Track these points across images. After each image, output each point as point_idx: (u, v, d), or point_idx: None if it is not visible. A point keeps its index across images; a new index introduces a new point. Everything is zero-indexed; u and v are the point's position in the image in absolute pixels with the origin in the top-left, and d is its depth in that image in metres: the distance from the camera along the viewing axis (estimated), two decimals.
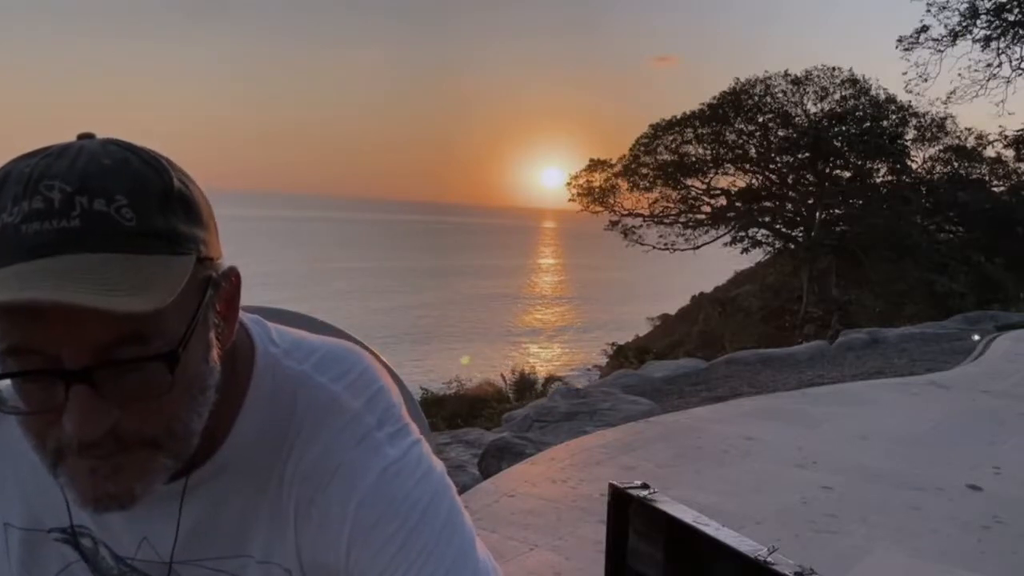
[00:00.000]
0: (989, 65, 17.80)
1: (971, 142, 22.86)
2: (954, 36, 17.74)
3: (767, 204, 24.23)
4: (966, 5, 17.44)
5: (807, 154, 22.74)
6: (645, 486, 1.44)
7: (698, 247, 24.31)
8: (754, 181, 24.20)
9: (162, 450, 0.66)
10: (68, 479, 0.65)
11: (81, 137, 0.67)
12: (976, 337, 9.96)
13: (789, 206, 24.09)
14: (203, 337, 0.68)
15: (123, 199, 0.61)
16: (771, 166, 23.87)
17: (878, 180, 23.26)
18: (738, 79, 23.42)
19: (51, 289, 0.57)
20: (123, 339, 0.61)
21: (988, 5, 17.46)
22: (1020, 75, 17.66)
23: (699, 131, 23.39)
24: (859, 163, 22.64)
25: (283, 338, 0.82)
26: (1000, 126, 27.57)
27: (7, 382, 0.63)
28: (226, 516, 0.77)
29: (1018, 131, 20.78)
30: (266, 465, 0.77)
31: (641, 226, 24.26)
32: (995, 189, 23.15)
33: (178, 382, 0.64)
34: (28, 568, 0.81)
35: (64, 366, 0.61)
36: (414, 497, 0.75)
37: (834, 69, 23.07)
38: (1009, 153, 22.33)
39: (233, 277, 0.72)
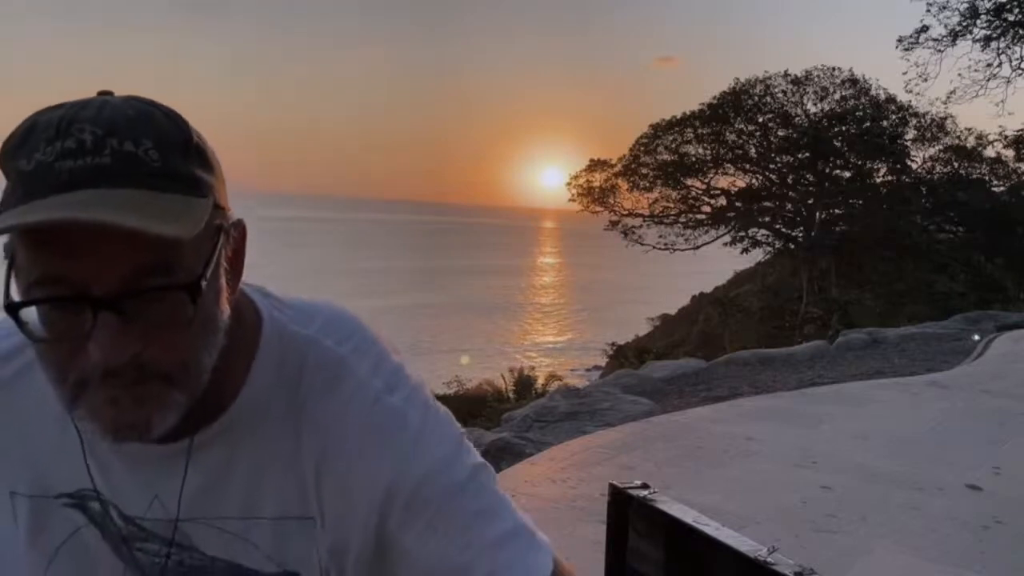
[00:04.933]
0: (989, 65, 17.82)
1: (971, 142, 22.89)
2: (954, 36, 17.75)
3: (767, 204, 24.24)
4: (966, 5, 17.46)
5: (807, 154, 22.74)
6: (645, 486, 1.44)
7: (698, 247, 24.33)
8: (754, 181, 24.21)
9: (176, 385, 0.68)
10: (88, 411, 0.67)
11: (101, 94, 0.70)
12: (976, 337, 9.96)
13: (789, 206, 24.10)
14: (216, 279, 0.70)
15: (149, 143, 0.65)
16: (771, 166, 23.87)
17: (878, 180, 23.28)
18: (738, 79, 23.46)
19: (88, 212, 0.60)
20: (149, 268, 0.64)
21: (988, 5, 17.47)
22: (1020, 75, 17.66)
23: (699, 131, 23.39)
24: (859, 163, 22.64)
25: (286, 304, 0.84)
26: (1000, 126, 27.62)
27: (34, 314, 0.65)
28: (237, 475, 0.78)
29: (1018, 131, 20.81)
30: (278, 425, 0.78)
31: (641, 226, 24.27)
32: (995, 189, 23.15)
33: (197, 316, 0.67)
34: (36, 535, 0.82)
35: (92, 294, 0.63)
36: (439, 456, 0.79)
37: (834, 69, 23.12)
38: (1009, 153, 22.37)
39: (240, 228, 0.75)
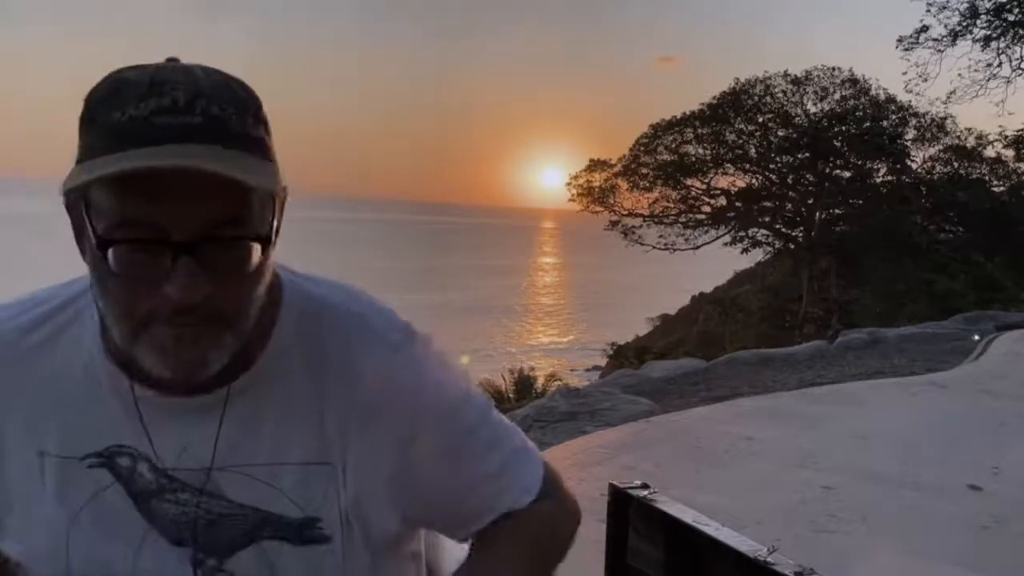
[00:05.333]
0: (989, 65, 17.79)
1: (971, 142, 22.87)
2: (954, 36, 17.73)
3: (767, 204, 24.23)
4: (966, 5, 17.44)
5: (807, 154, 22.73)
6: (645, 486, 1.43)
7: (698, 247, 24.31)
8: (754, 181, 24.20)
9: (231, 329, 0.74)
10: (151, 345, 0.72)
11: (169, 60, 0.75)
12: (976, 337, 9.95)
13: (789, 206, 24.09)
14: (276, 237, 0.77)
15: (231, 108, 0.72)
16: (771, 166, 23.86)
17: (878, 180, 23.27)
18: (738, 79, 23.45)
19: (186, 161, 0.66)
20: (226, 219, 0.71)
21: (988, 5, 17.45)
22: (1020, 75, 17.65)
23: (699, 131, 23.38)
24: (859, 163, 22.64)
25: (296, 271, 0.91)
26: (1000, 126, 27.53)
27: (111, 253, 0.70)
28: (265, 424, 0.83)
29: (1018, 131, 20.78)
30: (303, 375, 0.83)
31: (641, 226, 24.26)
32: (995, 189, 23.13)
33: (258, 268, 0.74)
34: (62, 496, 0.83)
35: (173, 239, 0.69)
36: (454, 401, 0.88)
37: (834, 69, 23.10)
38: (1009, 153, 22.33)
39: (284, 196, 0.79)
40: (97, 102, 0.71)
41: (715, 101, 23.30)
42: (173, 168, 0.65)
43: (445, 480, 0.88)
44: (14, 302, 0.88)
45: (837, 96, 23.02)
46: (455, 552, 1.06)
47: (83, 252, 0.76)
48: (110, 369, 0.81)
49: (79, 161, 0.71)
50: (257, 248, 0.73)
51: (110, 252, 0.69)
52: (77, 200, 0.73)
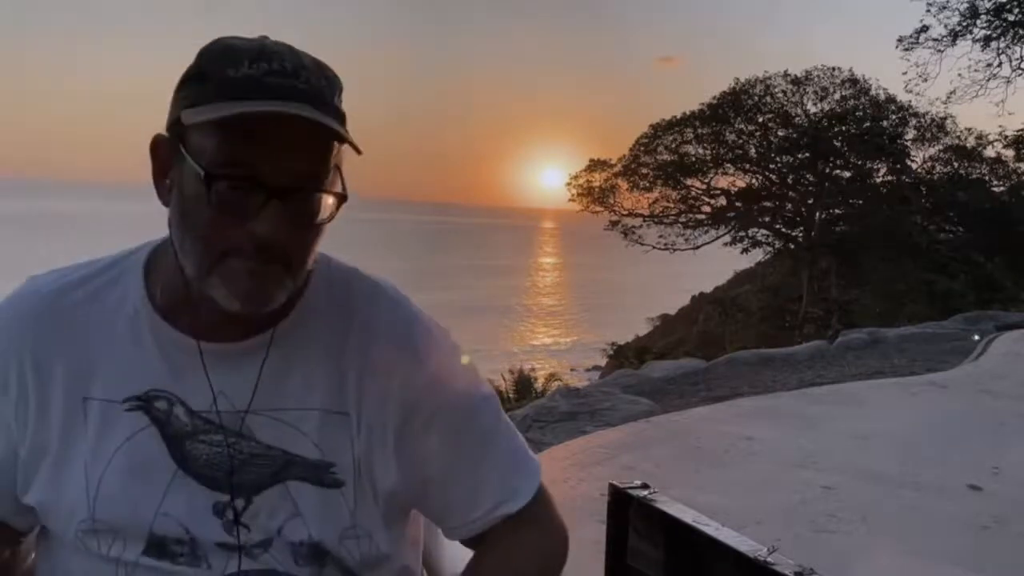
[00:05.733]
0: (989, 65, 17.77)
1: (971, 142, 22.83)
2: (954, 36, 17.70)
3: (767, 204, 24.20)
4: (966, 5, 17.41)
5: (807, 154, 22.71)
6: (645, 486, 1.43)
7: (698, 247, 24.28)
8: (754, 181, 24.18)
9: (292, 274, 0.84)
10: (226, 276, 0.81)
11: (262, 37, 0.84)
12: (976, 337, 9.95)
13: (789, 206, 24.07)
14: None
15: (324, 83, 0.82)
16: (771, 166, 23.84)
17: (878, 180, 23.24)
18: (738, 79, 23.42)
19: (292, 110, 0.76)
20: (311, 175, 0.81)
21: (988, 5, 17.43)
22: (1020, 75, 17.62)
23: (699, 131, 23.36)
24: (859, 163, 22.61)
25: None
26: (1000, 126, 27.50)
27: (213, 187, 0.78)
28: (294, 372, 0.90)
29: (1018, 131, 20.76)
30: (330, 331, 0.92)
31: (641, 226, 24.23)
32: (995, 189, 23.11)
33: (325, 224, 0.84)
34: (100, 438, 0.89)
35: (268, 183, 0.78)
36: (461, 381, 0.96)
37: (834, 69, 23.07)
38: (1009, 153, 22.30)
39: None
40: (209, 60, 0.81)
41: (715, 101, 23.27)
42: (282, 114, 0.76)
43: (441, 454, 0.93)
44: (55, 270, 0.96)
45: (837, 96, 23.00)
46: (454, 555, 1.11)
47: (162, 193, 0.85)
48: (155, 321, 0.89)
49: (187, 107, 0.79)
50: (332, 204, 0.83)
51: (213, 186, 0.77)
52: (172, 143, 0.82)
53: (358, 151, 0.83)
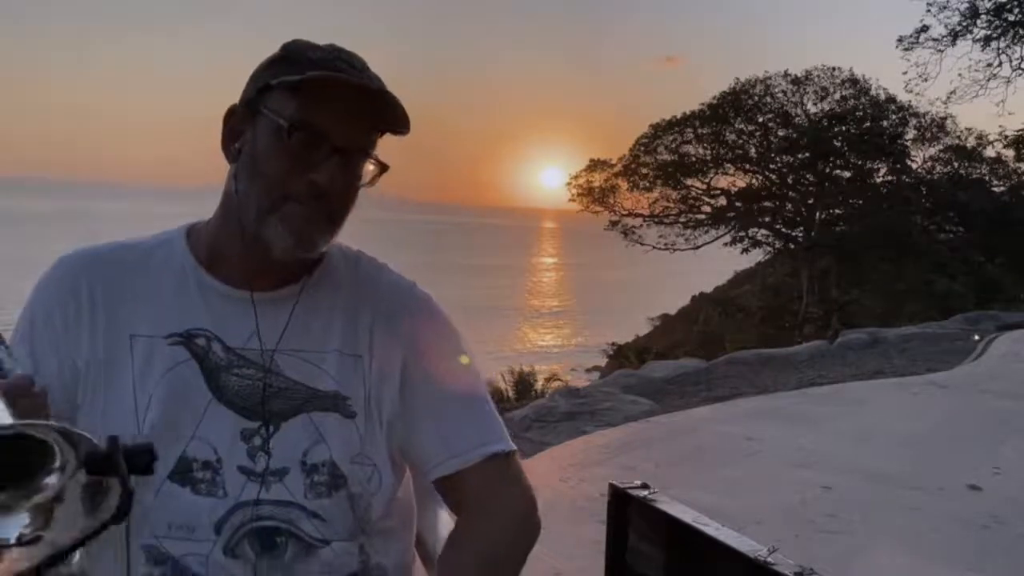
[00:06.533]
0: (989, 65, 17.76)
1: (971, 142, 22.81)
2: (954, 36, 17.69)
3: (767, 204, 24.17)
4: (966, 5, 17.40)
5: (807, 154, 22.68)
6: (645, 486, 1.43)
7: (698, 247, 24.26)
8: (754, 181, 24.15)
9: (334, 226, 1.03)
10: (283, 218, 0.97)
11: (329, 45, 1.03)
12: (976, 337, 9.95)
13: (789, 206, 24.05)
14: None
15: (383, 84, 1.01)
16: (771, 166, 23.82)
17: (878, 180, 23.21)
18: (738, 79, 23.40)
19: (364, 82, 0.96)
20: (364, 145, 1.00)
21: (988, 5, 17.42)
22: (1020, 75, 17.61)
23: (699, 131, 23.33)
24: (859, 163, 22.59)
25: None
26: (1000, 126, 27.48)
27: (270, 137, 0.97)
28: (317, 319, 1.07)
29: (1018, 131, 20.74)
30: (347, 287, 1.10)
31: (641, 226, 24.21)
32: (995, 189, 23.09)
33: (364, 188, 1.03)
34: (144, 370, 1.02)
35: (334, 141, 0.96)
36: (452, 345, 1.12)
37: (834, 69, 23.04)
38: (1009, 153, 22.29)
39: None
40: (293, 47, 0.99)
41: (715, 101, 23.25)
42: (359, 85, 0.95)
43: (436, 393, 1.08)
44: (109, 241, 1.12)
45: (837, 96, 22.98)
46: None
47: (229, 154, 1.01)
48: (199, 273, 1.05)
49: (271, 79, 0.97)
50: (373, 171, 1.02)
51: (293, 135, 0.94)
52: (250, 109, 0.99)
53: (406, 129, 1.01)
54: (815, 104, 23.17)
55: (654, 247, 24.29)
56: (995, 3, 17.30)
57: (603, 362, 23.41)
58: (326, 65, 0.95)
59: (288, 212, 0.96)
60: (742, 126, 23.40)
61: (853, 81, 22.86)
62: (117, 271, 1.06)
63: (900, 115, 22.49)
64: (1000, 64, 17.64)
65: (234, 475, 0.99)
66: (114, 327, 1.03)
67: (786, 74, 23.11)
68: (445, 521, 1.38)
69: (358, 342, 1.07)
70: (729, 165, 23.82)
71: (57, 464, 0.55)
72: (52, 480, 0.55)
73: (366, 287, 1.11)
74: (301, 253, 0.99)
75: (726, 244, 24.09)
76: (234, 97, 1.05)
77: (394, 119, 0.99)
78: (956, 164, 23.01)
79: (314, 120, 0.95)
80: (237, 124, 1.01)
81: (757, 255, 25.03)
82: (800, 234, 23.52)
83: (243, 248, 1.01)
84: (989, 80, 17.73)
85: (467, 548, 1.04)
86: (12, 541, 0.54)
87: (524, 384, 14.04)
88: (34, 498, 0.55)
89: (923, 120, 22.45)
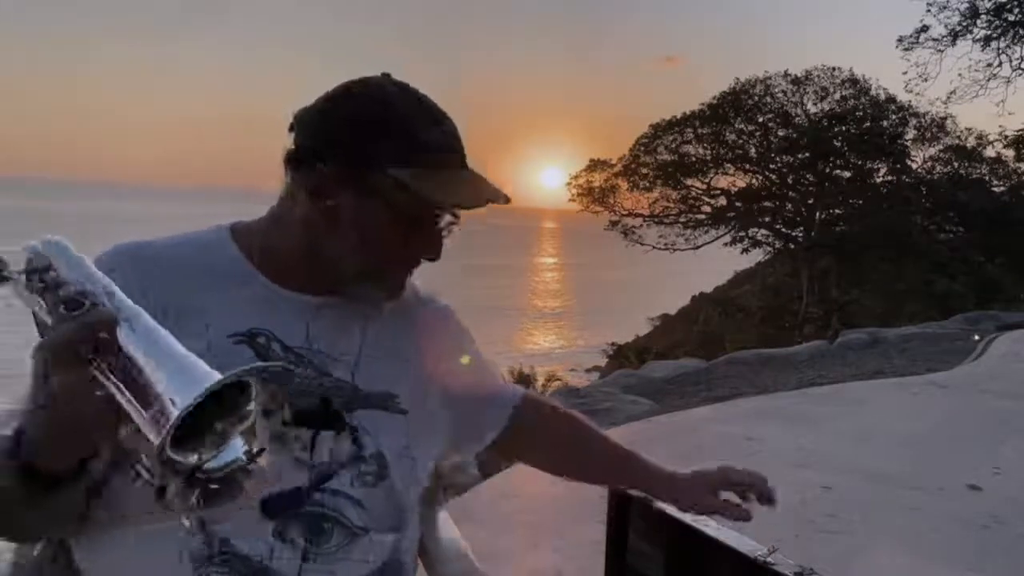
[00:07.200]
0: (989, 65, 17.75)
1: (971, 142, 22.83)
2: (954, 36, 17.68)
3: (767, 204, 24.18)
4: (966, 5, 17.40)
5: (807, 154, 22.69)
6: None
7: (698, 247, 24.27)
8: (754, 181, 24.16)
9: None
10: (380, 282, 1.07)
11: (384, 75, 1.06)
12: (976, 337, 9.95)
13: (789, 206, 24.05)
14: None
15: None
16: (771, 166, 23.83)
17: (878, 180, 23.22)
18: (738, 79, 23.41)
19: (493, 197, 1.04)
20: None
21: (988, 5, 17.42)
22: (1020, 75, 17.60)
23: (699, 131, 23.34)
24: (859, 163, 22.60)
25: None
26: (1000, 126, 27.46)
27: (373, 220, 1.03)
28: (369, 324, 1.13)
29: (1018, 131, 20.74)
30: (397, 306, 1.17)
31: (641, 226, 24.21)
32: (995, 189, 23.10)
33: None
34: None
35: (445, 220, 1.05)
36: (471, 345, 1.31)
37: (834, 69, 23.05)
38: (1009, 153, 22.29)
39: None
40: (392, 116, 1.01)
41: (715, 101, 23.26)
42: (476, 203, 1.03)
43: (470, 375, 1.25)
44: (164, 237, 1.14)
45: (837, 96, 22.98)
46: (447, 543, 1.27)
47: (326, 205, 1.02)
48: (255, 275, 1.08)
49: (378, 153, 0.99)
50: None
51: (415, 225, 1.02)
52: (345, 174, 1.00)
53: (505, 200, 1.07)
54: (815, 104, 23.20)
55: (654, 247, 24.30)
56: (995, 3, 17.30)
57: (603, 362, 23.41)
58: (441, 151, 1.01)
59: (395, 274, 1.08)
60: (742, 126, 23.41)
61: (853, 81, 22.87)
62: (172, 269, 1.06)
63: (900, 115, 22.50)
64: (1000, 64, 17.65)
65: (289, 465, 1.03)
66: (192, 316, 1.04)
67: (786, 74, 23.14)
68: (445, 521, 1.38)
69: (405, 348, 1.16)
70: (729, 165, 23.82)
71: (253, 395, 0.71)
72: (251, 408, 0.71)
73: (410, 300, 1.18)
74: (397, 298, 1.11)
75: (726, 244, 24.10)
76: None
77: (495, 196, 1.04)
78: (956, 164, 23.01)
79: (431, 206, 1.01)
80: (330, 184, 1.01)
81: (757, 255, 25.05)
82: (800, 234, 23.52)
83: (309, 267, 1.06)
84: (989, 80, 17.74)
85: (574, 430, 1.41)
86: (243, 459, 0.71)
87: (524, 384, 14.03)
88: (241, 425, 0.71)
89: (923, 120, 22.47)
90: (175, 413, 0.65)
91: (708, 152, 23.60)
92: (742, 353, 9.43)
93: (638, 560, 1.41)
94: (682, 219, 23.98)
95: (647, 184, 23.72)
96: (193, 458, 0.68)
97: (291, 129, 1.06)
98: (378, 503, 1.08)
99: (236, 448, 0.71)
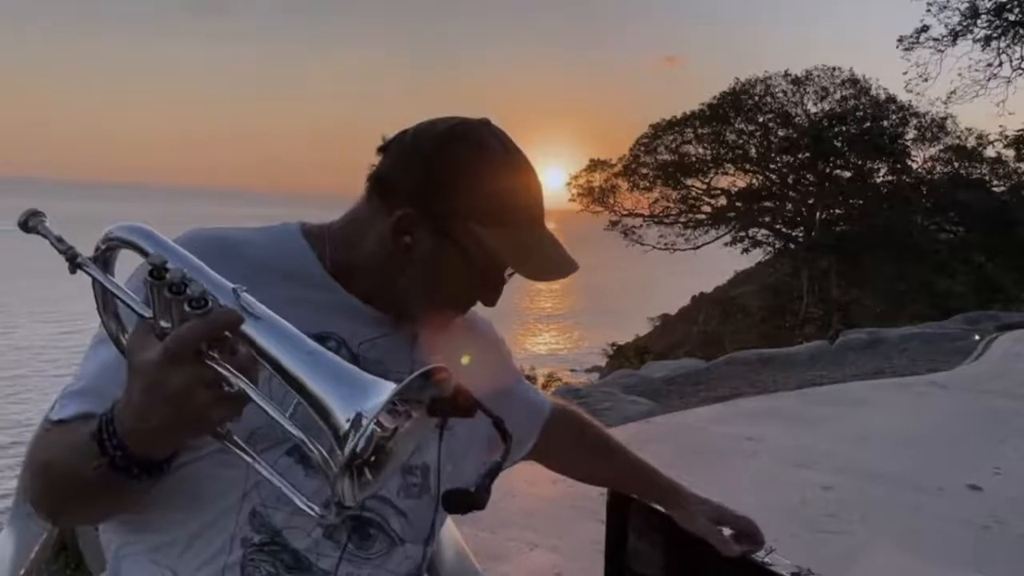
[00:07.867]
0: (989, 65, 17.75)
1: (971, 142, 22.80)
2: (954, 36, 17.69)
3: (767, 204, 24.17)
4: (966, 5, 17.40)
5: (807, 154, 22.68)
6: None
7: (698, 247, 24.26)
8: (754, 181, 24.15)
9: None
10: (440, 316, 1.12)
11: (483, 121, 1.07)
12: (976, 337, 9.95)
13: (789, 206, 24.04)
14: None
15: None
16: (771, 166, 23.82)
17: (878, 180, 23.20)
18: (738, 79, 23.40)
19: (564, 271, 1.07)
20: None
21: (988, 5, 17.42)
22: (1020, 75, 17.60)
23: (699, 131, 23.33)
24: (859, 163, 22.59)
25: None
26: (1000, 126, 27.40)
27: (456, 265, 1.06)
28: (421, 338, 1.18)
29: (1018, 131, 20.75)
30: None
31: (641, 226, 24.21)
32: (995, 189, 23.09)
33: None
34: None
35: (505, 281, 1.09)
36: (510, 360, 1.37)
37: (834, 69, 23.03)
38: (1009, 153, 22.28)
39: None
40: (491, 171, 1.03)
41: (715, 101, 23.25)
42: (550, 277, 1.07)
43: (503, 397, 1.20)
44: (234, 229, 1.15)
45: (837, 96, 22.97)
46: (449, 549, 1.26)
47: (403, 240, 1.04)
48: (328, 280, 1.09)
49: (466, 208, 1.02)
50: None
51: (483, 275, 1.05)
52: (426, 213, 1.02)
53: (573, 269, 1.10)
54: (815, 104, 23.18)
55: (654, 247, 24.29)
56: (995, 3, 17.31)
57: (603, 362, 23.42)
58: (527, 216, 1.04)
59: (448, 313, 1.12)
60: (742, 126, 23.40)
61: (853, 81, 22.86)
62: (254, 266, 1.06)
63: (900, 115, 22.49)
64: (1000, 64, 17.65)
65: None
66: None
67: (786, 74, 23.13)
68: (447, 528, 1.38)
69: (452, 358, 1.17)
70: (729, 165, 23.81)
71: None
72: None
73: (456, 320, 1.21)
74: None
75: (726, 244, 24.09)
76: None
77: (569, 269, 1.08)
78: (956, 164, 23.00)
79: (506, 262, 1.04)
80: (411, 221, 1.03)
81: (757, 255, 25.03)
82: (800, 234, 23.52)
83: (375, 284, 1.09)
84: (989, 80, 17.74)
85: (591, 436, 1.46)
86: (377, 429, 0.77)
87: None
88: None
89: (923, 120, 22.45)
90: (370, 425, 0.71)
91: (708, 152, 23.59)
92: (742, 353, 9.42)
93: (637, 560, 1.41)
94: (682, 219, 23.97)
95: (647, 184, 23.71)
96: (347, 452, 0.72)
97: (380, 150, 1.08)
98: (418, 515, 1.09)
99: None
